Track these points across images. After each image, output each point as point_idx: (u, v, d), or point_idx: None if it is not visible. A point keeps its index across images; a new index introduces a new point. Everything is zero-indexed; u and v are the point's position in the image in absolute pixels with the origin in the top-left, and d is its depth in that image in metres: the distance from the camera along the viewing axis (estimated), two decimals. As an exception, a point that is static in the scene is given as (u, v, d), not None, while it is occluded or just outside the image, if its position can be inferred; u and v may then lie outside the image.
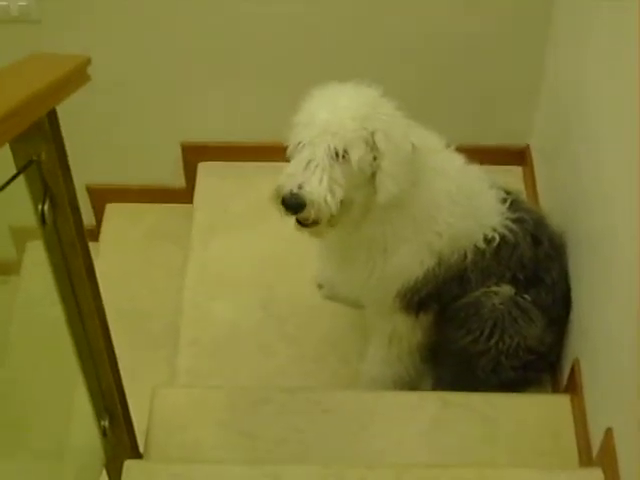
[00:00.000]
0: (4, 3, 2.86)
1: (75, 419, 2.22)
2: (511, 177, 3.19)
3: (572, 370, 2.47)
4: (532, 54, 3.03)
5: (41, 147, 1.62)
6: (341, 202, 2.11)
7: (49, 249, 1.79)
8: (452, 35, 3.02)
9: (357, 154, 2.08)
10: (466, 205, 2.33)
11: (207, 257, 3.07)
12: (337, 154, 2.07)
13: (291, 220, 2.20)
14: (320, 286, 2.94)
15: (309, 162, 2.08)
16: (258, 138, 3.27)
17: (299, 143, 2.12)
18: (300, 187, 2.06)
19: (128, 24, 2.99)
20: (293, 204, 2.07)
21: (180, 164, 3.35)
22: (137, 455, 2.33)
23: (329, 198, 2.05)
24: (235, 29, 3.03)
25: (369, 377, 2.65)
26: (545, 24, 2.94)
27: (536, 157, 3.21)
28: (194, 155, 3.32)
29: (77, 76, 1.67)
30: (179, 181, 3.41)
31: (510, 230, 2.41)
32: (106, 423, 2.16)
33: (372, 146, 2.11)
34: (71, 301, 1.89)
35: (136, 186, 3.42)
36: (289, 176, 2.09)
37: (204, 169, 3.34)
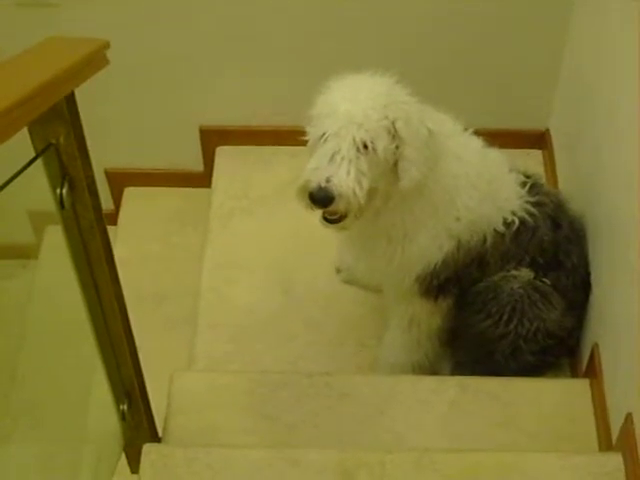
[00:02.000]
0: (24, -12, 2.85)
1: (94, 403, 2.22)
2: (531, 161, 3.18)
3: (591, 355, 2.46)
4: (552, 35, 3.01)
5: (59, 130, 1.61)
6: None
7: (68, 233, 1.79)
8: (469, 16, 2.99)
9: (382, 144, 2.07)
10: (485, 189, 2.32)
11: (226, 241, 3.07)
12: (365, 145, 2.05)
13: (317, 215, 2.19)
14: (338, 270, 2.94)
15: (334, 154, 2.05)
16: (276, 122, 3.26)
17: (322, 135, 2.10)
18: (328, 180, 2.03)
19: (147, 6, 2.98)
20: (322, 198, 2.04)
21: (199, 148, 3.34)
22: (156, 439, 2.34)
23: (357, 190, 2.04)
24: (254, 13, 3.01)
25: (387, 362, 2.65)
26: (567, 4, 2.90)
27: (556, 141, 3.19)
28: (213, 139, 3.32)
29: (96, 59, 1.66)
30: (197, 165, 3.40)
31: (530, 214, 2.40)
32: (125, 407, 2.16)
33: (394, 135, 2.10)
34: (90, 285, 1.89)
35: (154, 170, 3.42)
36: (315, 170, 2.07)
37: (222, 153, 3.33)
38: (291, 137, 3.19)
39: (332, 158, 2.05)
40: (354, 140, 2.05)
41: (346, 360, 2.76)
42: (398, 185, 2.16)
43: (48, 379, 2.21)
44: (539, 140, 3.27)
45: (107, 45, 1.71)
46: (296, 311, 2.88)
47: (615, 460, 2.13)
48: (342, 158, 2.04)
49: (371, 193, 2.13)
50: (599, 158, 2.56)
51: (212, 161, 3.34)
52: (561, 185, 2.99)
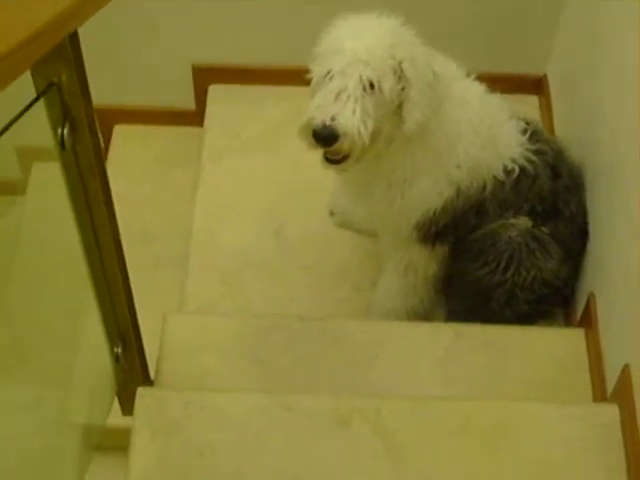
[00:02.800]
0: None
1: (85, 345, 2.20)
2: (527, 106, 3.14)
3: (587, 304, 2.46)
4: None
5: (62, 70, 1.57)
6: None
7: (67, 174, 1.74)
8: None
9: (388, 84, 2.04)
10: (486, 135, 2.30)
11: (218, 181, 3.03)
12: (371, 84, 2.02)
13: (317, 154, 2.15)
14: (332, 213, 2.91)
15: (340, 92, 2.02)
16: (271, 61, 3.21)
17: (328, 73, 2.06)
18: (333, 119, 1.99)
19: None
20: (326, 136, 2.01)
21: (191, 86, 3.28)
22: (148, 382, 2.32)
23: (362, 129, 2.00)
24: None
25: (383, 307, 2.63)
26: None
27: (554, 86, 3.15)
28: (205, 77, 3.26)
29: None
30: (189, 103, 3.35)
31: (530, 161, 2.38)
32: (119, 350, 2.14)
33: (400, 75, 2.07)
34: (87, 226, 1.86)
35: (145, 107, 3.36)
36: (319, 107, 2.03)
37: (215, 91, 3.28)
38: (286, 77, 3.18)
39: (338, 96, 2.02)
40: (360, 78, 2.02)
41: (340, 304, 2.75)
42: (402, 128, 2.13)
43: (37, 318, 2.17)
44: (536, 85, 3.23)
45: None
46: (289, 254, 2.85)
47: (611, 411, 2.13)
48: (348, 96, 2.01)
49: (374, 135, 2.09)
50: (600, 104, 2.53)
51: (204, 100, 3.29)
52: (558, 132, 2.96)
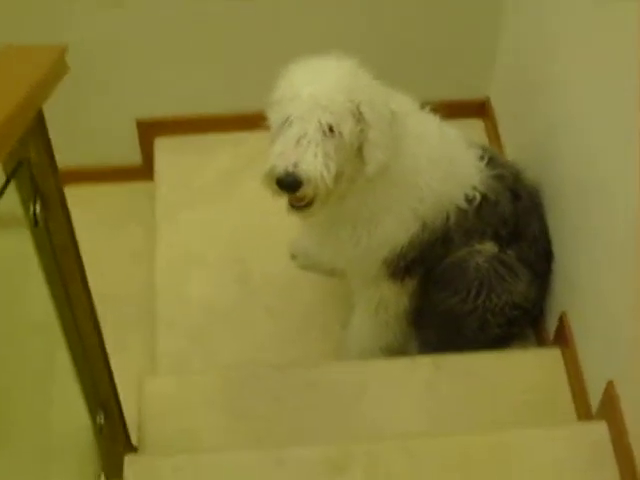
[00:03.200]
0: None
1: (64, 418, 2.14)
2: (473, 130, 3.17)
3: (560, 324, 2.47)
4: (489, 4, 3.00)
5: (30, 147, 1.54)
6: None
7: (40, 250, 1.71)
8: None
9: (348, 127, 2.04)
10: (447, 168, 2.31)
11: (175, 235, 3.00)
12: (330, 128, 2.02)
13: (275, 200, 2.14)
14: (294, 256, 2.89)
15: (300, 138, 2.01)
16: (213, 110, 3.21)
17: (286, 119, 2.05)
18: (295, 165, 1.98)
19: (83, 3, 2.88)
20: (290, 183, 2.00)
21: (136, 141, 3.26)
22: (131, 447, 2.28)
23: (325, 174, 2.00)
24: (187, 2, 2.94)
25: (356, 347, 2.62)
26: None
27: (497, 109, 3.18)
28: (150, 131, 3.24)
29: (60, 68, 1.59)
30: (135, 158, 3.31)
31: (490, 188, 2.39)
32: (102, 419, 2.10)
33: (358, 118, 2.06)
34: (62, 299, 1.83)
35: (91, 167, 3.32)
36: (281, 155, 2.02)
37: (161, 144, 3.26)
38: (231, 124, 3.18)
39: (298, 142, 2.01)
40: (320, 123, 2.01)
41: (310, 348, 2.73)
42: (364, 169, 2.12)
43: (11, 392, 2.11)
44: (480, 109, 3.26)
45: (66, 50, 1.63)
46: (254, 301, 2.83)
47: (599, 429, 2.15)
48: (309, 142, 2.00)
49: (337, 178, 2.08)
50: (549, 124, 2.58)
51: (150, 154, 3.26)
52: (508, 154, 2.99)
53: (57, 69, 1.57)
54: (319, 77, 2.07)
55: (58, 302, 1.83)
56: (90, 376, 2.02)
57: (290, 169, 1.99)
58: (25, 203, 1.60)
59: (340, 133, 2.04)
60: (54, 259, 1.73)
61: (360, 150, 2.11)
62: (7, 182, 1.50)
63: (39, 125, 1.54)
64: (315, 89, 2.04)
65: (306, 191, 2.03)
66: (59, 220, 1.66)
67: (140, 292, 2.96)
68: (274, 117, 2.12)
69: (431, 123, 2.33)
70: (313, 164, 1.99)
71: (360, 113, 2.06)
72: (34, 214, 1.60)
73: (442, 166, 2.29)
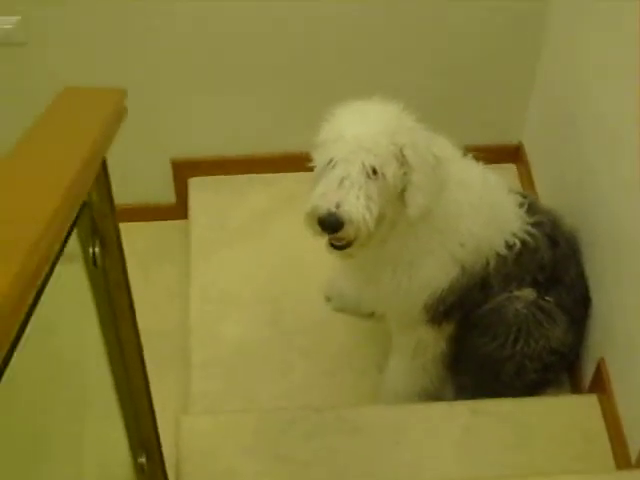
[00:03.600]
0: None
1: (106, 460, 2.14)
2: (506, 175, 3.16)
3: (597, 370, 2.47)
4: (525, 52, 3.03)
5: (93, 189, 1.56)
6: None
7: (94, 289, 1.72)
8: (442, 33, 3.01)
9: (391, 170, 2.05)
10: (488, 213, 2.32)
11: (209, 275, 3.01)
12: (374, 171, 2.03)
13: (310, 239, 2.16)
14: (328, 299, 2.90)
15: (343, 179, 2.02)
16: (248, 151, 3.23)
17: (330, 161, 2.06)
18: (338, 206, 2.00)
19: (115, 39, 2.92)
20: (332, 223, 2.01)
21: (170, 180, 3.28)
22: (169, 488, 2.27)
23: (367, 216, 2.01)
24: (223, 45, 2.97)
25: (393, 390, 2.62)
26: (540, 18, 2.93)
27: (531, 154, 3.20)
28: (184, 171, 3.26)
29: (121, 112, 1.61)
30: (169, 198, 3.33)
31: (530, 234, 2.40)
32: (143, 460, 2.09)
33: (402, 161, 2.08)
34: (113, 337, 1.83)
35: (125, 205, 3.33)
36: (323, 195, 2.03)
37: (195, 184, 3.28)
38: (266, 165, 3.20)
39: (341, 183, 2.02)
40: (363, 165, 2.03)
41: (344, 390, 2.72)
42: (405, 212, 2.14)
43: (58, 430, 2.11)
44: (513, 154, 3.28)
45: (125, 94, 1.66)
46: (288, 342, 2.84)
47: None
48: (351, 183, 2.02)
49: (379, 220, 2.09)
50: (587, 169, 2.58)
51: (184, 193, 3.28)
52: (542, 199, 2.99)
53: (119, 113, 1.59)
54: (363, 119, 2.09)
55: (108, 339, 1.83)
56: (134, 415, 2.02)
57: (332, 209, 2.00)
58: (83, 243, 1.61)
59: (383, 175, 2.05)
60: (107, 296, 1.74)
61: (402, 193, 2.12)
62: (73, 225, 1.51)
63: (102, 169, 1.55)
64: (359, 131, 2.06)
65: (347, 232, 2.04)
66: (115, 258, 1.68)
67: (174, 330, 2.97)
68: (318, 158, 2.14)
69: (474, 169, 2.35)
70: (355, 206, 2.00)
71: (403, 156, 2.08)
72: (93, 255, 1.61)
73: (484, 212, 2.30)
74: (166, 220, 3.35)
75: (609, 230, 2.44)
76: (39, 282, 1.07)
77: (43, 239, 1.05)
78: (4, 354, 0.92)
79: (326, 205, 2.01)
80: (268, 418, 2.45)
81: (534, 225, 2.42)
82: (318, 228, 2.06)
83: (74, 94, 1.63)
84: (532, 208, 2.45)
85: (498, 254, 2.37)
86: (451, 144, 2.33)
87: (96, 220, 1.60)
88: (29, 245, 1.02)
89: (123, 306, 1.77)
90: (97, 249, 1.61)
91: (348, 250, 2.14)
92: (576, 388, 2.66)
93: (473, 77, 3.12)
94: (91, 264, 1.62)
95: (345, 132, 2.07)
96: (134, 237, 3.28)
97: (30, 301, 1.04)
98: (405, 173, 2.10)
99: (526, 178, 3.19)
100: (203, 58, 3.01)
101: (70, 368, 1.93)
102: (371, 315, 2.76)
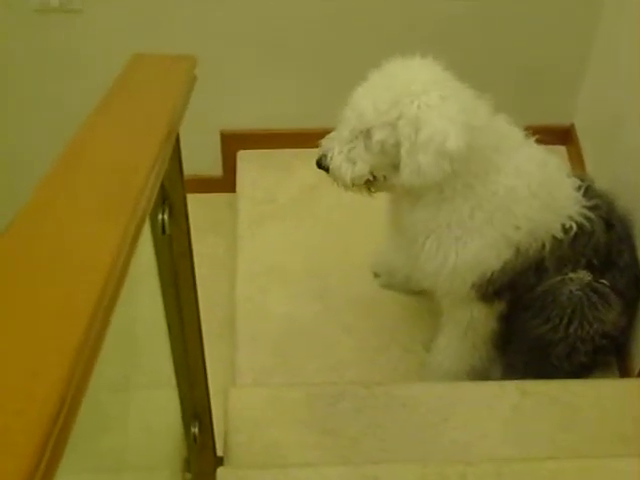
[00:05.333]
0: (44, -6, 2.77)
1: (160, 427, 2.14)
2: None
3: (649, 354, 2.46)
4: (579, 32, 3.00)
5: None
6: (374, 176, 2.25)
7: (159, 257, 1.72)
8: (494, 14, 2.99)
9: (378, 136, 2.14)
10: (545, 198, 2.30)
11: (256, 249, 3.01)
12: (362, 132, 2.17)
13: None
14: (376, 275, 2.89)
15: (337, 135, 2.24)
16: (297, 125, 3.21)
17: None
18: (324, 155, 2.25)
19: (167, 11, 2.92)
20: (321, 166, 2.28)
21: (218, 153, 3.28)
22: (217, 459, 2.28)
23: (344, 170, 2.22)
24: (274, 15, 2.97)
25: (441, 368, 2.61)
26: (596, 5, 2.91)
27: (582, 136, 3.17)
28: (233, 143, 3.26)
29: (192, 80, 1.61)
30: (216, 170, 3.33)
31: (587, 218, 2.38)
32: (196, 430, 2.10)
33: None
34: (174, 310, 1.83)
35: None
36: (321, 146, 2.29)
37: (244, 157, 3.27)
38: (312, 139, 3.17)
39: (334, 137, 2.25)
40: (354, 128, 2.19)
41: (391, 366, 2.72)
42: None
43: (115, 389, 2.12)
44: (564, 136, 3.25)
45: (196, 62, 1.66)
46: (335, 318, 2.82)
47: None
48: (340, 140, 2.22)
49: (375, 179, 2.26)
50: (637, 153, 2.56)
51: (232, 166, 3.28)
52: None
53: (191, 81, 1.59)
54: (375, 85, 2.19)
55: (169, 308, 1.84)
56: (190, 385, 2.02)
57: (320, 155, 2.27)
58: (153, 211, 1.61)
59: (369, 138, 2.17)
60: (172, 265, 1.74)
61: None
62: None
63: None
64: (362, 96, 2.19)
65: (334, 176, 2.26)
66: (181, 227, 1.68)
67: (220, 304, 2.97)
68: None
69: (535, 155, 2.33)
70: (336, 159, 2.23)
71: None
72: (162, 222, 1.60)
73: (541, 196, 2.28)
74: (212, 193, 3.34)
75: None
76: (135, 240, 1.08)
77: (142, 194, 1.07)
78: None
79: (321, 151, 2.27)
80: (316, 392, 2.44)
81: (591, 209, 2.40)
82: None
83: (144, 61, 1.62)
84: (589, 191, 2.43)
85: (554, 237, 2.35)
86: (514, 128, 2.31)
87: (167, 187, 1.59)
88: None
89: (186, 275, 1.77)
90: (166, 216, 1.60)
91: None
92: (625, 371, 2.64)
93: (525, 57, 3.10)
94: (160, 231, 1.62)
95: (355, 95, 2.21)
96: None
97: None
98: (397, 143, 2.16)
99: (576, 160, 3.16)
100: (254, 31, 3.00)
101: (130, 336, 1.94)
102: (419, 292, 2.75)
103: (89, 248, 1.01)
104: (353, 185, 2.25)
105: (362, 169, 2.22)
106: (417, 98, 2.10)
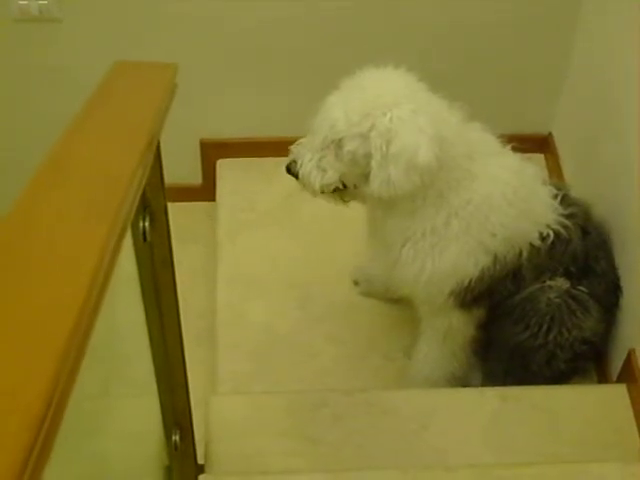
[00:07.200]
0: (24, 2, 2.77)
1: (140, 435, 2.14)
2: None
3: (627, 360, 2.47)
4: (558, 41, 3.02)
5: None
6: (345, 186, 2.26)
7: (140, 266, 1.72)
8: (474, 21, 3.01)
9: (349, 147, 2.15)
10: (521, 206, 2.32)
11: (237, 257, 3.01)
12: (333, 142, 2.17)
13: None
14: (356, 282, 2.91)
15: (308, 142, 2.25)
16: (277, 133, 3.21)
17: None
18: (294, 161, 2.27)
19: (148, 20, 2.92)
20: (290, 172, 2.30)
21: (198, 161, 3.28)
22: (197, 466, 2.28)
23: (313, 178, 2.23)
24: (254, 26, 2.97)
25: (421, 375, 2.62)
26: (574, 6, 2.93)
27: (560, 145, 3.20)
28: (213, 152, 3.26)
29: (172, 89, 1.61)
30: (195, 178, 3.34)
31: (563, 226, 2.40)
32: (177, 437, 2.10)
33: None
34: (155, 317, 1.84)
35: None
36: (291, 152, 2.30)
37: (224, 166, 3.28)
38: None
39: (305, 144, 2.26)
40: (325, 137, 2.19)
41: (371, 374, 2.73)
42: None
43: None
44: (542, 144, 3.27)
45: (177, 70, 1.66)
46: (315, 326, 2.83)
47: (670, 468, 2.14)
48: (310, 148, 2.24)
49: (347, 188, 2.28)
50: (620, 161, 2.58)
51: (211, 174, 3.28)
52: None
53: (172, 89, 1.59)
54: (349, 95, 2.19)
55: (151, 316, 1.84)
56: (170, 392, 2.02)
57: (290, 161, 2.29)
58: (134, 218, 1.61)
59: (340, 147, 2.17)
60: (153, 273, 1.74)
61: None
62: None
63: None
64: (334, 105, 2.19)
65: (303, 183, 2.27)
66: (162, 234, 1.68)
67: (199, 312, 2.97)
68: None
69: (510, 163, 2.34)
70: (305, 165, 2.24)
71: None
72: (143, 229, 1.61)
73: (517, 204, 2.30)
74: (192, 201, 3.34)
75: (636, 219, 2.44)
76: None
77: (124, 202, 1.07)
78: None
79: (291, 157, 2.29)
80: (298, 399, 2.45)
81: (568, 217, 2.41)
82: None
83: (126, 69, 1.62)
84: (565, 199, 2.45)
85: (532, 245, 2.37)
86: (489, 135, 2.33)
87: (148, 194, 1.60)
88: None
89: (167, 283, 1.78)
90: (147, 224, 1.61)
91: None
92: (603, 377, 2.66)
93: (504, 66, 3.12)
94: (141, 239, 1.62)
95: (327, 104, 2.23)
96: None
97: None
98: (367, 155, 2.16)
99: (554, 168, 3.18)
100: (235, 40, 3.01)
101: (111, 344, 1.94)
102: (399, 300, 2.76)
103: (72, 255, 1.02)
104: (322, 192, 2.27)
105: (332, 177, 2.23)
106: (389, 110, 2.12)
